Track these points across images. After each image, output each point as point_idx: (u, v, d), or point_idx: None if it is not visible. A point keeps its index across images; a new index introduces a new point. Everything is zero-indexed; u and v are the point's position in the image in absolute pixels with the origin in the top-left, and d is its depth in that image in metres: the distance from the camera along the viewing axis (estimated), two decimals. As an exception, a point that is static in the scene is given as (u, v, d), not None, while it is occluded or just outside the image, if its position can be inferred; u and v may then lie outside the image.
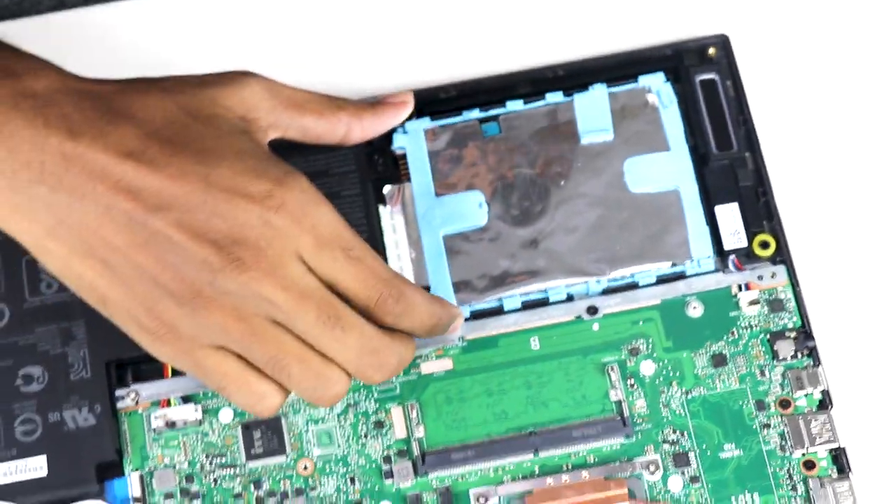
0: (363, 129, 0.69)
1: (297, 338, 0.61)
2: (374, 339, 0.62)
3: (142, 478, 0.69)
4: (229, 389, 0.62)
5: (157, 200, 0.59)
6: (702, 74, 0.74)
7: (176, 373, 0.70)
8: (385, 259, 0.71)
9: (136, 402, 0.70)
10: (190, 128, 0.61)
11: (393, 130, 0.73)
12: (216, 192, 0.59)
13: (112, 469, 0.69)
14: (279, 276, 0.59)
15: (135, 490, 0.68)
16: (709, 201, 0.72)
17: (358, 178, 0.73)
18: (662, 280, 0.71)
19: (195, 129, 0.61)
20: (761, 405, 0.69)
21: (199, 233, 0.59)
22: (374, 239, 0.72)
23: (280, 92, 0.66)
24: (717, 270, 0.71)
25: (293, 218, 0.60)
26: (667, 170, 0.72)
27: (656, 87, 0.74)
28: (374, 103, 0.70)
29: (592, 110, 0.73)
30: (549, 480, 0.68)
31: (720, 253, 0.71)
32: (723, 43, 0.75)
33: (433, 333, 0.66)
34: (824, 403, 0.68)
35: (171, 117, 0.61)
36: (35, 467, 0.68)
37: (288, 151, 0.73)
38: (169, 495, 0.69)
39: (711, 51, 0.75)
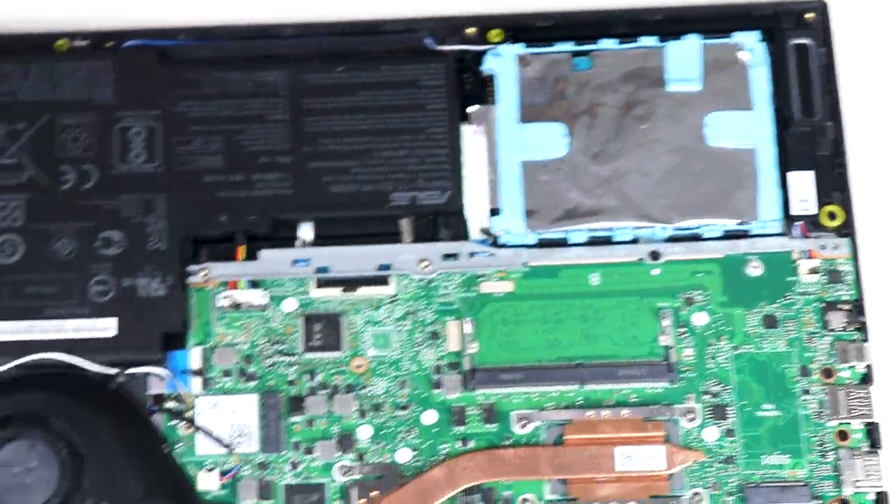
0: None
1: None
2: None
3: (203, 352, 0.72)
4: None
5: None
6: (796, 38, 0.75)
7: (248, 257, 0.73)
8: (462, 177, 0.73)
9: (206, 280, 0.73)
10: None
11: (484, 52, 0.75)
12: None
13: (176, 340, 0.72)
14: None
15: (195, 363, 0.71)
16: (784, 165, 0.73)
17: (446, 93, 0.74)
18: (727, 236, 0.73)
19: None
20: (805, 371, 0.71)
21: None
22: (454, 156, 0.73)
23: None
24: (781, 234, 0.73)
25: None
26: (747, 128, 0.73)
27: (749, 45, 0.75)
28: None
29: (683, 59, 0.74)
30: (590, 413, 0.71)
31: (787, 217, 0.73)
32: (822, 9, 0.76)
33: None
34: (866, 379, 0.70)
35: None
36: (104, 328, 0.71)
37: (380, 59, 0.75)
38: (227, 373, 0.71)
39: (810, 15, 0.76)
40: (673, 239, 0.73)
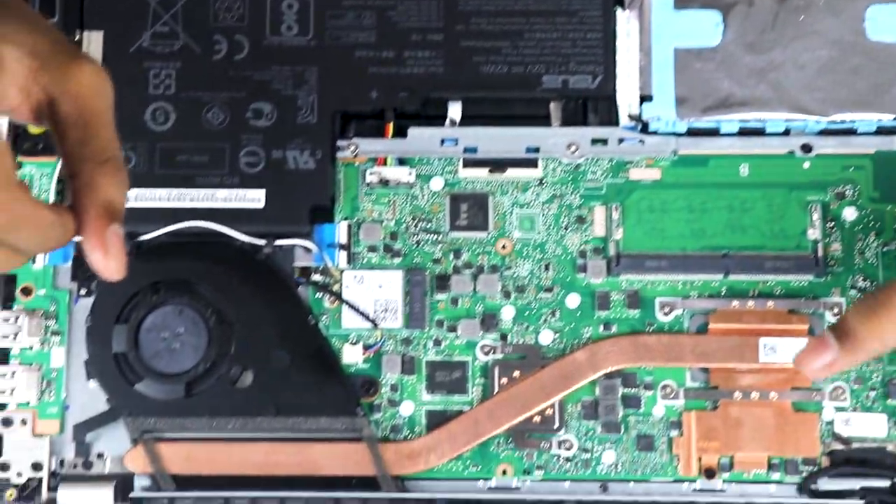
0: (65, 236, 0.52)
1: None
2: None
3: (349, 227, 0.72)
4: None
5: None
6: (962, -69, 0.74)
7: (397, 133, 0.73)
8: (614, 63, 0.73)
9: (355, 156, 0.73)
10: None
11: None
12: None
13: (323, 214, 0.72)
14: None
15: (342, 237, 0.72)
16: (945, 61, 0.72)
17: (601, -24, 0.74)
18: (881, 131, 0.72)
19: None
20: (955, 270, 0.70)
21: None
22: (607, 40, 0.73)
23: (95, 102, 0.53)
24: (937, 131, 0.72)
25: None
26: (908, 23, 0.72)
27: (914, -64, 0.73)
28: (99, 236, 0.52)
29: (846, -51, 0.73)
30: (735, 303, 0.71)
31: (944, 114, 0.72)
32: None
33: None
34: None
35: None
36: (254, 198, 0.71)
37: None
38: (372, 248, 0.72)
39: None
40: (826, 132, 0.72)
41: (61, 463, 0.72)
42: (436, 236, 0.72)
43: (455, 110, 0.73)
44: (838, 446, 0.69)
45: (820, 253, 0.71)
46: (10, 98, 0.51)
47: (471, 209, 0.72)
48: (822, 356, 0.63)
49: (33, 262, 0.72)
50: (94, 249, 0.51)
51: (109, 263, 0.51)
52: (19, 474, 0.71)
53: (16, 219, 0.48)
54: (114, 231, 0.51)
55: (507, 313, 0.71)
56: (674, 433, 0.70)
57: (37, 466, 0.71)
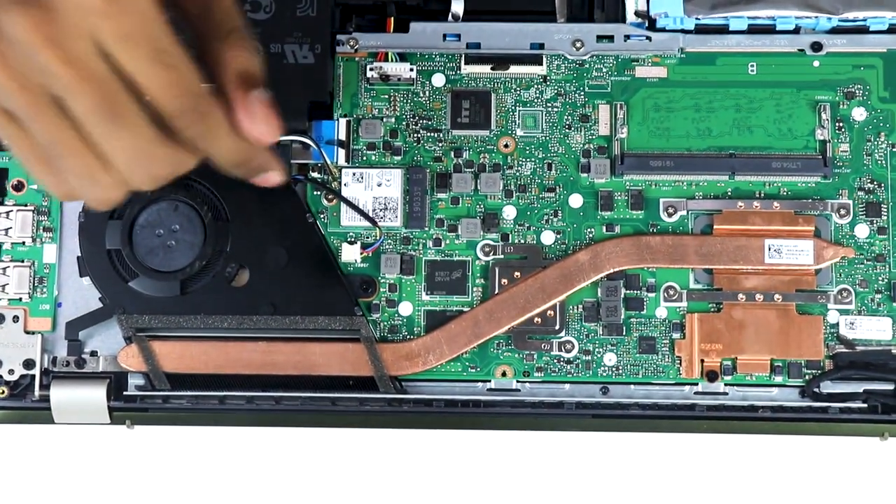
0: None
1: (75, 128, 0.53)
2: (151, 144, 0.53)
3: (349, 123, 0.71)
4: (20, 156, 0.55)
5: None
6: None
7: (398, 28, 0.71)
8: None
9: (355, 50, 0.71)
10: None
11: None
12: None
13: (322, 110, 0.70)
14: (64, 47, 0.51)
15: (341, 134, 0.70)
16: (959, -39, 0.70)
17: None
18: (893, 29, 0.70)
19: None
20: (964, 172, 0.69)
21: None
22: (614, -67, 0.71)
23: None
24: (950, 31, 0.70)
25: None
26: (923, -81, 0.70)
27: None
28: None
29: None
30: (740, 204, 0.69)
31: (957, 14, 0.70)
32: None
33: (236, 170, 0.57)
34: None
35: None
36: (251, 93, 0.70)
37: None
38: (372, 145, 0.71)
39: None
40: (837, 30, 0.70)
41: (54, 361, 0.71)
42: (437, 134, 0.71)
43: (458, 5, 0.71)
44: (842, 349, 0.69)
45: (828, 154, 0.69)
46: None
47: (473, 106, 0.71)
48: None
49: (24, 156, 0.71)
50: (241, 120, 0.53)
51: (259, 127, 0.53)
52: (11, 372, 0.70)
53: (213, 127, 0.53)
54: (256, 97, 0.53)
55: (509, 213, 0.70)
56: (676, 335, 0.69)
57: (29, 364, 0.70)
